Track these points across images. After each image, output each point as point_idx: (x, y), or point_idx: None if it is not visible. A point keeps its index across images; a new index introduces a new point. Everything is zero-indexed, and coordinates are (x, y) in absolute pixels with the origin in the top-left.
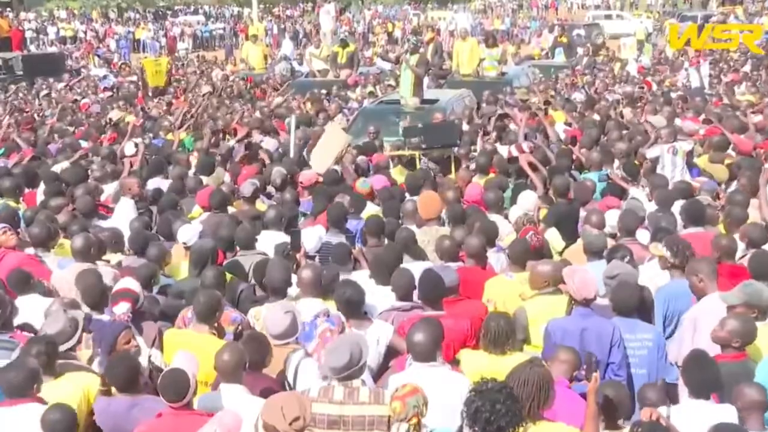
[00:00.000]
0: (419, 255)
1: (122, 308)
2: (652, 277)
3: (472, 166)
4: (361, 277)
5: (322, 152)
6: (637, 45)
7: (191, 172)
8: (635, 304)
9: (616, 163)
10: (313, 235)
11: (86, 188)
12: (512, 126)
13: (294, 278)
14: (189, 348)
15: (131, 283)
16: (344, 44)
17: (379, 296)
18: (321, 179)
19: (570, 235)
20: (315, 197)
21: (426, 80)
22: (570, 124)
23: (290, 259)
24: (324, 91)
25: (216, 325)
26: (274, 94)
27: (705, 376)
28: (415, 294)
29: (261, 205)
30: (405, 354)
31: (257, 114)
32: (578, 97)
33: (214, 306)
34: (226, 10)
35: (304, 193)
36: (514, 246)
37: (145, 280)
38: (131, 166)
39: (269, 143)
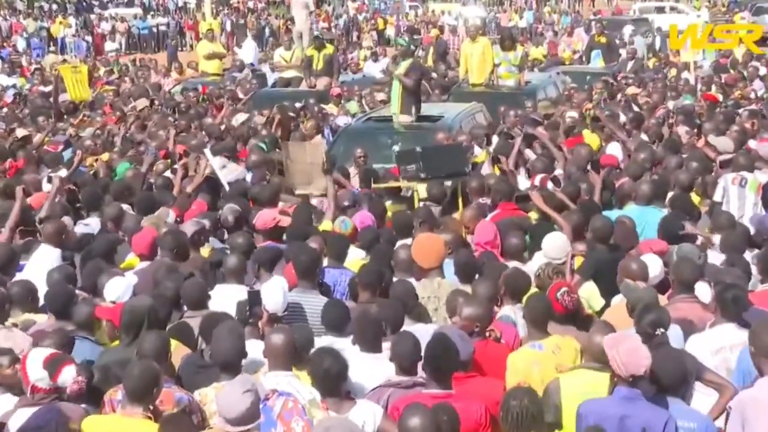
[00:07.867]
0: (422, 316)
1: (70, 373)
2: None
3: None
4: (343, 344)
5: (302, 170)
6: None
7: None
8: (678, 382)
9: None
10: (274, 290)
11: None
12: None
13: (254, 346)
14: None
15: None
16: (321, 45)
17: (365, 367)
18: (282, 221)
19: (611, 291)
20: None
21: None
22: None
23: (252, 324)
24: (298, 105)
25: (152, 407)
26: (234, 109)
27: None
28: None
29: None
30: None
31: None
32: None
33: (150, 381)
34: (170, 1)
35: (259, 239)
36: (531, 304)
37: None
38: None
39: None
